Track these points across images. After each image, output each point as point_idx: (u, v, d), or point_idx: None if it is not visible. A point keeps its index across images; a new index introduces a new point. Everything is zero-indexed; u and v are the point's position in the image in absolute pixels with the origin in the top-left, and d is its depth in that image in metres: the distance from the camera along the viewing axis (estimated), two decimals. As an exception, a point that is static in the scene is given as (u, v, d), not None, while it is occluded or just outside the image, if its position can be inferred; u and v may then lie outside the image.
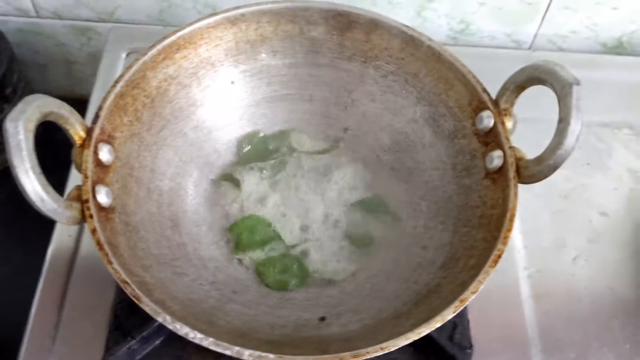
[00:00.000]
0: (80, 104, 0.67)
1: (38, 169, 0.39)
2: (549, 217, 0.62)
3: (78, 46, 0.82)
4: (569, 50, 0.78)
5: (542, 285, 0.57)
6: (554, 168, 0.45)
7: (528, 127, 0.56)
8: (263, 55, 0.57)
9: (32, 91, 0.83)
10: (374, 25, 0.55)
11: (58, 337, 0.51)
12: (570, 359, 0.53)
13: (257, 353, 0.38)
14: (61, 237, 0.57)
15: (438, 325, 0.40)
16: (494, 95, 0.50)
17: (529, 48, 0.78)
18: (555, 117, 0.44)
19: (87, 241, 0.56)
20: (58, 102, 0.43)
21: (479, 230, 0.47)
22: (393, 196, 0.56)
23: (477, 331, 0.53)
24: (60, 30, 0.80)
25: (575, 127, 0.43)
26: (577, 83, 0.44)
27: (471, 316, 0.53)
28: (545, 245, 0.60)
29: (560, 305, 0.56)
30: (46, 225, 0.56)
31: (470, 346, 0.52)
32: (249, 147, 0.58)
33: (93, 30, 0.79)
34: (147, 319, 0.48)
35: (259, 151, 0.58)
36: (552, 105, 0.45)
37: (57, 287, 0.54)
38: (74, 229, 0.57)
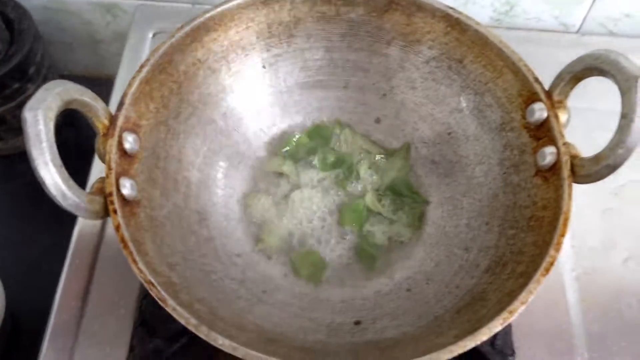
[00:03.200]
0: (106, 85, 0.66)
1: (59, 161, 0.37)
2: (598, 215, 0.58)
3: (104, 24, 0.79)
4: (621, 35, 0.73)
5: (590, 289, 0.54)
6: (613, 169, 0.41)
7: (576, 118, 0.52)
8: (297, 38, 0.53)
9: (56, 71, 0.81)
10: (416, 6, 0.51)
11: (81, 332, 0.49)
12: (619, 369, 0.50)
13: (290, 364, 0.35)
14: (85, 227, 0.55)
15: (484, 338, 0.37)
16: (546, 85, 0.46)
17: (578, 31, 0.73)
18: (607, 107, 0.40)
19: (111, 231, 0.54)
20: (81, 88, 0.41)
21: (528, 233, 0.43)
22: (433, 192, 0.52)
23: (519, 337, 0.50)
24: (85, 8, 0.77)
25: (639, 124, 0.39)
26: (644, 76, 0.40)
27: (513, 321, 0.50)
28: (593, 246, 0.56)
29: (609, 310, 0.53)
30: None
31: (513, 353, 0.49)
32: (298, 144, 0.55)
33: (119, 8, 0.76)
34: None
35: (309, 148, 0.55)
36: (604, 94, 0.41)
37: (81, 279, 0.52)
38: (98, 218, 0.55)
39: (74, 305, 0.51)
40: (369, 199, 0.52)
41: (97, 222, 0.55)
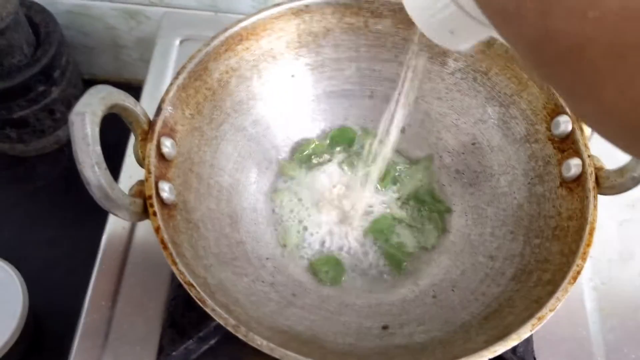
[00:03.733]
0: (126, 89, 0.67)
1: (104, 165, 0.38)
2: (615, 226, 0.59)
3: (127, 30, 0.81)
4: None
5: (608, 299, 0.55)
6: (638, 181, 0.43)
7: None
8: (325, 48, 0.55)
9: (79, 74, 0.82)
10: (442, 20, 0.53)
11: (111, 333, 0.50)
12: (638, 377, 0.51)
13: (327, 365, 0.36)
14: (114, 229, 0.56)
15: (514, 344, 0.38)
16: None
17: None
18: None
19: (140, 233, 0.55)
20: (123, 93, 0.42)
21: (553, 242, 0.45)
22: (457, 200, 0.54)
23: (540, 345, 0.51)
24: (109, 13, 0.78)
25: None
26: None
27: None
28: (611, 257, 0.57)
29: (627, 321, 0.54)
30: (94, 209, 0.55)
31: (534, 360, 0.50)
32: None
33: (142, 14, 0.77)
34: (203, 317, 0.47)
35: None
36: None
37: (111, 280, 0.53)
38: (127, 220, 0.56)
39: (104, 305, 0.51)
40: (393, 208, 0.54)
41: (127, 225, 0.56)
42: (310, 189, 0.55)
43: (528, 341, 0.51)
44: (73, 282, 0.54)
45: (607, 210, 0.59)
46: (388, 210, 0.54)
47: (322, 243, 0.52)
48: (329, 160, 0.56)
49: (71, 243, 0.74)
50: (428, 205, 0.54)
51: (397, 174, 0.56)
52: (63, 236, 0.74)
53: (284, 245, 0.51)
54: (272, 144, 0.55)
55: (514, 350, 0.50)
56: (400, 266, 0.51)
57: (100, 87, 0.41)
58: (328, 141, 0.57)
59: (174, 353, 0.46)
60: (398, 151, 0.57)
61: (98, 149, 0.38)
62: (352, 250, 0.52)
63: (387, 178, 0.55)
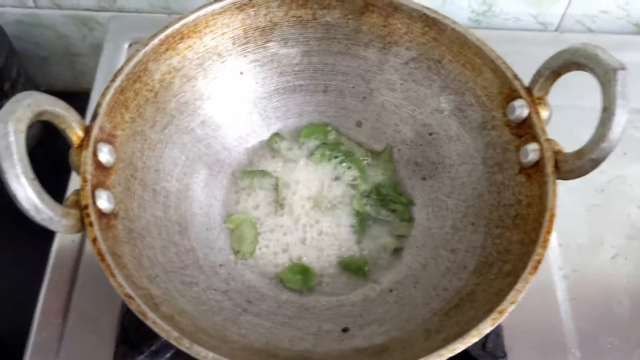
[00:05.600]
0: (84, 99, 0.64)
1: (31, 174, 0.36)
2: (584, 212, 0.57)
3: (80, 37, 0.78)
4: (599, 32, 0.73)
5: (579, 286, 0.53)
6: (597, 163, 0.41)
7: (557, 115, 0.51)
8: (273, 43, 0.53)
9: (33, 86, 0.80)
10: (392, 8, 0.51)
11: (62, 350, 0.48)
12: (611, 366, 0.49)
13: (275, 375, 0.34)
14: (64, 242, 0.53)
15: (474, 340, 0.36)
16: (526, 82, 0.46)
17: (556, 30, 0.73)
18: (587, 104, 0.40)
19: (90, 245, 0.53)
20: (52, 99, 0.40)
21: (513, 232, 0.43)
22: (417, 193, 0.52)
23: (510, 338, 0.49)
24: (60, 21, 0.76)
25: (620, 117, 0.39)
26: (622, 68, 0.40)
27: (504, 322, 0.50)
28: (581, 243, 0.56)
29: (599, 308, 0.52)
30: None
31: (504, 355, 0.48)
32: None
33: (94, 20, 0.75)
34: (156, 331, 0.45)
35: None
36: (583, 91, 0.40)
37: (61, 295, 0.51)
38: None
39: (54, 322, 0.49)
40: (357, 204, 0.52)
41: (76, 238, 0.53)
42: (269, 191, 0.53)
43: (498, 335, 0.49)
44: (34, 301, 0.52)
45: (575, 196, 0.58)
46: (348, 212, 0.52)
47: (282, 249, 0.50)
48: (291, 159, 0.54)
49: (34, 261, 0.71)
50: (391, 199, 0.52)
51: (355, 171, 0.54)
52: (24, 255, 0.71)
53: (237, 252, 0.49)
54: (224, 146, 0.52)
55: (483, 345, 0.48)
56: (363, 271, 0.49)
57: (26, 93, 0.39)
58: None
59: (124, 370, 0.44)
60: (359, 144, 0.55)
61: (25, 158, 0.36)
62: (311, 257, 0.50)
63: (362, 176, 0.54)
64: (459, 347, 0.36)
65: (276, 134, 0.55)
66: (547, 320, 0.51)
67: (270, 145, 0.54)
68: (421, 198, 0.52)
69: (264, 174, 0.53)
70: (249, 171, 0.53)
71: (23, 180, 0.35)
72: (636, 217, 0.57)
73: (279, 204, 0.52)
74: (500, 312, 0.37)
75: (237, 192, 0.52)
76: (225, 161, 0.53)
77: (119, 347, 0.47)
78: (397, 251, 0.50)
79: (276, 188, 0.52)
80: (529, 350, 0.49)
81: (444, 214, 0.49)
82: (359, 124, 0.55)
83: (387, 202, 0.52)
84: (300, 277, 0.49)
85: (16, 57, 0.74)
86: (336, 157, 0.54)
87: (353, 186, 0.53)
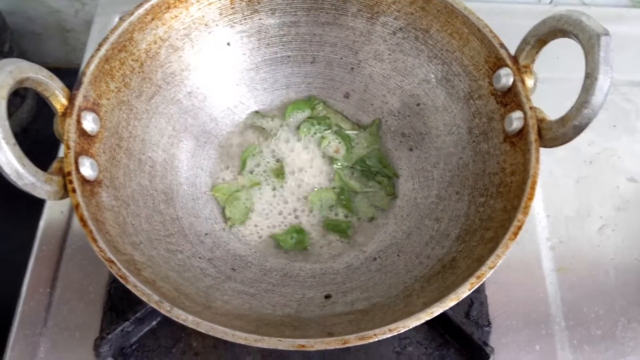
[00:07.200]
0: (77, 74, 0.64)
1: (12, 139, 0.36)
2: (573, 184, 0.57)
3: (73, 13, 0.78)
4: (594, 4, 0.72)
5: (566, 257, 0.53)
6: (580, 129, 0.41)
7: (547, 88, 0.51)
8: (261, 13, 0.52)
9: (26, 61, 0.79)
10: (380, -23, 0.50)
11: (49, 319, 0.48)
12: (596, 335, 0.50)
13: (254, 337, 0.34)
14: (52, 213, 0.54)
15: (452, 304, 0.36)
16: (512, 52, 0.46)
17: (550, 3, 0.73)
18: (577, 76, 0.40)
19: (79, 217, 0.53)
20: (35, 66, 0.40)
21: (497, 199, 0.43)
22: (403, 164, 0.52)
23: (495, 307, 0.50)
24: (52, -4, 0.76)
25: (603, 82, 0.39)
26: (606, 34, 0.39)
27: (489, 292, 0.50)
28: (568, 214, 0.56)
29: (585, 278, 0.52)
30: (41, 201, 0.53)
31: (489, 324, 0.49)
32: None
33: (87, -5, 0.75)
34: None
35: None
36: (573, 62, 0.40)
37: (49, 265, 0.51)
38: (66, 204, 0.54)
39: (42, 292, 0.50)
40: (340, 179, 0.52)
41: (65, 209, 0.54)
42: (259, 165, 0.53)
43: (482, 304, 0.49)
44: (13, 273, 0.52)
45: (564, 168, 0.58)
46: (332, 183, 0.52)
47: (272, 215, 0.51)
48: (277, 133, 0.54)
49: (25, 236, 0.72)
50: (375, 171, 0.52)
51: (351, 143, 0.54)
52: (13, 229, 0.72)
53: (229, 219, 0.49)
54: (211, 117, 0.52)
55: (467, 314, 0.49)
56: (346, 233, 0.49)
57: (8, 60, 0.39)
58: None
59: (109, 336, 0.44)
60: (345, 117, 0.55)
61: (6, 123, 0.36)
62: (300, 222, 0.50)
63: (347, 149, 0.54)
64: (436, 310, 0.36)
65: (256, 112, 0.55)
66: (533, 290, 0.51)
67: (252, 124, 0.54)
68: (407, 169, 0.52)
69: (253, 149, 0.53)
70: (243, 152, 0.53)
71: (4, 145, 0.35)
72: (624, 189, 0.57)
73: (276, 175, 0.52)
74: (479, 277, 0.37)
75: (227, 164, 0.53)
76: (212, 132, 0.53)
77: (105, 314, 0.48)
78: (372, 220, 0.50)
79: (265, 162, 0.53)
80: (514, 319, 0.50)
81: (430, 184, 0.49)
82: (346, 96, 0.55)
83: (373, 173, 0.52)
84: (296, 237, 0.49)
85: (8, 32, 0.74)
86: (324, 130, 0.54)
87: (337, 160, 0.53)
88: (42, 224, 0.53)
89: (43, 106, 0.78)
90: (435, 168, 0.49)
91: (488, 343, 0.46)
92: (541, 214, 0.55)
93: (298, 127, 0.54)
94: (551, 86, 0.55)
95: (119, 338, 0.45)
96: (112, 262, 0.36)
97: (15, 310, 0.49)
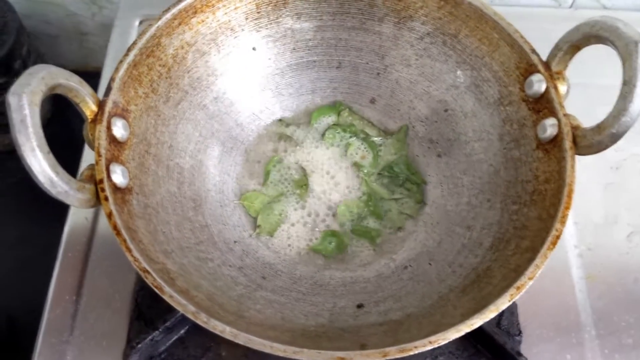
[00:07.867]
0: (93, 78, 0.64)
1: (46, 147, 0.35)
2: (600, 190, 0.57)
3: (89, 16, 0.78)
4: (614, 8, 0.72)
5: (594, 265, 0.53)
6: (617, 137, 0.40)
7: (577, 93, 0.51)
8: (287, 18, 0.52)
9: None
10: (408, -19, 0.50)
11: (76, 327, 0.48)
12: (627, 344, 0.49)
13: (293, 349, 0.34)
14: (77, 220, 0.53)
15: (492, 315, 0.36)
16: (544, 57, 0.45)
17: (571, 6, 0.72)
18: (601, 82, 0.39)
19: (104, 223, 0.53)
20: (66, 72, 0.39)
21: (531, 207, 0.42)
22: (432, 171, 0.51)
23: (525, 316, 0.49)
24: (70, -1, 0.75)
25: (642, 89, 0.38)
26: (644, 41, 0.39)
27: (519, 300, 0.49)
28: (596, 221, 0.55)
29: (614, 286, 0.52)
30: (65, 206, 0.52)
31: (519, 333, 0.48)
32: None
33: (104, -1, 0.75)
34: (170, 307, 0.45)
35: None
36: (603, 68, 0.39)
37: (74, 273, 0.51)
38: (90, 210, 0.53)
39: (68, 299, 0.49)
40: (367, 185, 0.51)
41: (89, 215, 0.53)
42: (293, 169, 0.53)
43: (513, 313, 0.49)
44: (48, 280, 0.52)
45: (591, 174, 0.57)
46: (359, 194, 0.52)
47: (304, 223, 0.50)
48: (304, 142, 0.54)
49: (45, 241, 0.71)
50: (403, 178, 0.52)
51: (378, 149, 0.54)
52: (36, 234, 0.72)
53: (259, 226, 0.49)
54: (237, 122, 0.52)
55: (497, 323, 0.48)
56: (374, 240, 0.49)
57: (40, 66, 0.38)
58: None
59: (139, 345, 0.44)
60: (372, 123, 0.55)
61: (39, 131, 0.36)
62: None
63: (374, 156, 0.53)
64: (476, 322, 0.35)
65: (280, 120, 0.54)
66: (562, 298, 0.51)
67: (277, 131, 0.54)
68: (436, 176, 0.51)
69: (277, 160, 0.53)
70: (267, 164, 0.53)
71: (38, 153, 0.35)
72: (652, 196, 0.56)
73: (299, 187, 0.51)
74: (518, 288, 0.37)
75: (251, 172, 0.52)
76: (238, 138, 0.52)
77: (133, 323, 0.47)
78: (401, 228, 0.50)
79: (291, 171, 0.52)
80: (545, 328, 0.49)
81: (459, 191, 0.49)
82: (372, 101, 0.54)
83: (401, 180, 0.51)
84: (334, 241, 0.49)
85: (26, 35, 0.73)
86: (349, 137, 0.54)
87: (364, 167, 0.52)
88: (66, 229, 0.53)
89: (56, 110, 0.78)
90: (465, 175, 0.49)
91: (521, 353, 0.45)
92: (569, 221, 0.54)
93: (323, 135, 0.54)
94: (580, 91, 0.54)
95: (148, 347, 0.45)
96: (147, 272, 0.36)
97: (41, 318, 0.48)
